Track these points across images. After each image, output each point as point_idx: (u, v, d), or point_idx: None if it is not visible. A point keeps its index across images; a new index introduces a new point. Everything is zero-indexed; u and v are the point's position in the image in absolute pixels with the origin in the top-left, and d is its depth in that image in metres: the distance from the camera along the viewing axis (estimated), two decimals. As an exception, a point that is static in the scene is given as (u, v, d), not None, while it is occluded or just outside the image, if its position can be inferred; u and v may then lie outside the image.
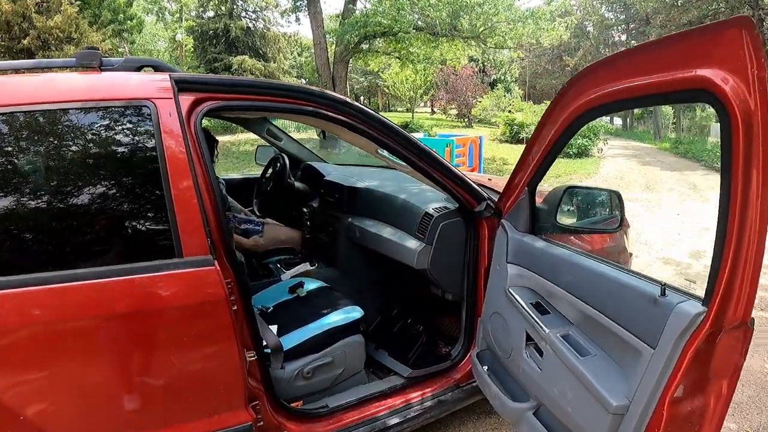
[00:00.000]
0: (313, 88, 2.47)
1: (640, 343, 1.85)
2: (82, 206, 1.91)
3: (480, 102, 34.79)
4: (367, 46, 21.30)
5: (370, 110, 2.57)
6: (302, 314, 2.92)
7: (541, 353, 2.37)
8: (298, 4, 21.70)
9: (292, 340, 2.71)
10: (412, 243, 3.14)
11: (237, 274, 2.14)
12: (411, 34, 18.14)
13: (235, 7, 34.38)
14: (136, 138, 2.00)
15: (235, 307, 2.09)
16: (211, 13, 34.38)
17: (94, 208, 1.93)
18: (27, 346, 1.78)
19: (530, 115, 26.29)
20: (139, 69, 2.19)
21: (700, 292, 1.76)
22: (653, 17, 30.33)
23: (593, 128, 22.75)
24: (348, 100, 2.50)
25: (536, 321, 2.37)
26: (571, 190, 2.77)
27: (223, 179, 4.41)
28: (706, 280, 1.68)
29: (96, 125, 1.97)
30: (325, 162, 4.91)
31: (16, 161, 1.85)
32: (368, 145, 2.76)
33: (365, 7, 21.23)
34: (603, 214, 2.97)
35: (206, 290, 1.98)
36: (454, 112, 38.46)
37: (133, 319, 1.90)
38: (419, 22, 18.45)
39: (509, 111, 31.14)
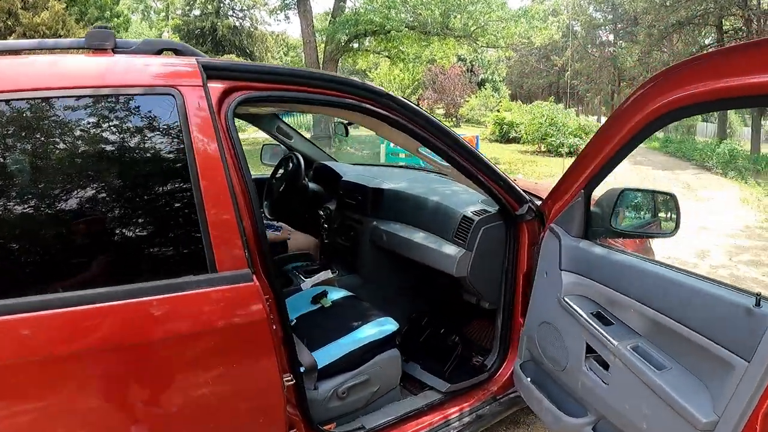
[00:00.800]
0: (355, 79, 2.23)
1: (731, 356, 1.68)
2: (95, 214, 1.63)
3: (468, 101, 34.78)
4: (357, 45, 21.11)
5: (413, 105, 2.35)
6: (330, 327, 2.68)
7: (606, 366, 2.18)
8: (287, 2, 21.42)
9: (325, 357, 2.46)
10: (451, 249, 2.92)
11: (275, 289, 1.89)
12: (403, 32, 17.99)
13: (222, 5, 34.22)
14: (159, 132, 1.73)
15: (275, 327, 1.84)
16: (197, 12, 34.16)
17: (111, 216, 1.65)
18: (30, 381, 1.48)
19: (520, 114, 26.31)
20: (159, 53, 1.90)
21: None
22: (642, 17, 30.40)
23: (584, 128, 22.80)
24: (391, 93, 2.26)
25: (601, 332, 2.17)
26: (625, 193, 2.56)
27: None
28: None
29: (110, 116, 1.68)
30: (336, 161, 4.64)
31: (13, 159, 1.56)
32: (409, 143, 2.52)
33: (355, 6, 21.10)
34: (658, 216, 2.77)
35: (245, 310, 1.72)
36: (442, 111, 38.40)
37: (159, 347, 1.64)
38: (411, 21, 18.28)
39: (498, 110, 31.20)
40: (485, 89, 37.82)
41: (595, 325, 2.21)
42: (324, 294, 2.98)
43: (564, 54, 42.86)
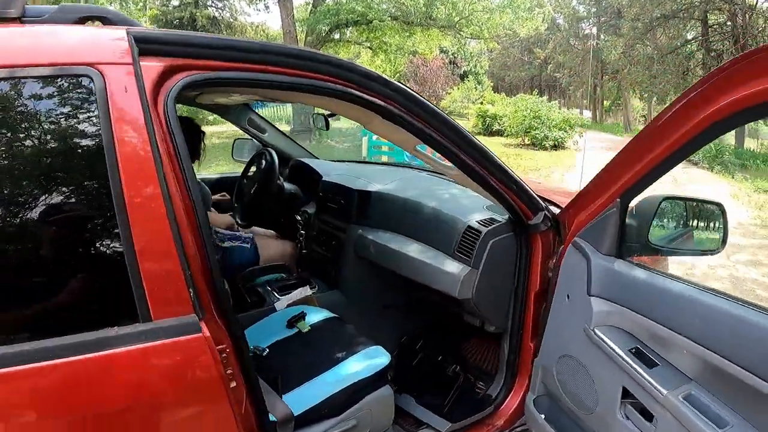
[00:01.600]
0: (343, 59, 1.74)
1: None
2: None
3: (450, 94, 34.48)
4: (339, 35, 20.74)
5: (415, 93, 1.87)
6: (310, 359, 2.23)
7: (649, 417, 1.77)
8: (267, -9, 20.95)
9: (303, 400, 2.00)
10: (453, 266, 2.47)
11: (233, 334, 1.42)
12: (385, 22, 17.64)
13: (201, -5, 33.57)
14: (68, 128, 1.27)
15: (234, 384, 1.38)
16: (176, 2, 33.44)
17: None
18: None
19: (504, 107, 26.12)
20: (81, 21, 1.43)
21: None
22: (626, 10, 30.39)
23: (569, 120, 22.68)
24: (387, 78, 1.78)
25: (643, 375, 1.75)
26: (667, 202, 2.11)
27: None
28: None
29: (5, 105, 1.22)
30: (316, 158, 4.17)
31: None
32: (406, 140, 2.04)
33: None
34: (701, 230, 2.32)
35: (192, 371, 1.28)
36: (423, 104, 38.20)
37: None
38: (394, 11, 17.94)
39: (481, 103, 31.01)
40: (468, 81, 37.50)
41: (635, 366, 1.78)
42: (302, 316, 2.51)
43: (547, 46, 42.89)
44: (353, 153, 15.56)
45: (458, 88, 35.59)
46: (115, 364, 1.19)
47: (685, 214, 2.32)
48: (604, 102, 46.14)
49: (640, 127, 36.68)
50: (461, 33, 19.73)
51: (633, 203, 2.03)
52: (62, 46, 1.30)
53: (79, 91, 1.25)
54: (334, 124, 19.59)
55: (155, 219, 1.23)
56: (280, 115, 22.96)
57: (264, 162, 3.48)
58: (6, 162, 1.20)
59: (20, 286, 1.21)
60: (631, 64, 31.15)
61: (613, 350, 1.87)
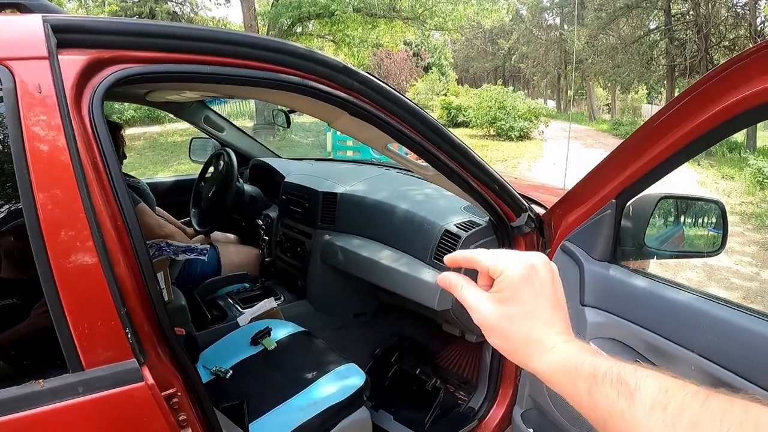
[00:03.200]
0: (299, 46, 1.49)
1: None
2: None
3: (414, 86, 34.40)
4: (301, 29, 20.45)
5: (386, 85, 1.64)
6: (278, 381, 2.03)
7: None
8: (227, -16, 20.61)
9: (273, 429, 1.81)
10: (430, 274, 2.27)
11: (184, 373, 1.20)
12: (348, 15, 17.43)
13: (160, -11, 33.07)
14: None
15: (190, 431, 1.16)
16: (135, -3, 32.96)
17: None
18: None
19: (468, 98, 26.12)
20: None
21: None
22: (590, 0, 30.56)
23: (534, 111, 22.75)
24: (351, 66, 1.56)
25: None
26: (664, 200, 1.94)
27: (146, 182, 3.40)
28: None
29: None
30: (278, 157, 3.93)
31: None
32: (376, 138, 1.82)
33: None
34: (700, 230, 2.14)
35: (135, 428, 1.06)
36: (386, 96, 38.26)
37: None
38: (357, 3, 17.73)
39: (445, 94, 31.01)
40: (432, 73, 37.50)
41: None
42: (267, 332, 2.30)
43: (510, 37, 43.05)
44: (318, 149, 15.33)
45: (422, 80, 35.66)
46: (42, 425, 0.98)
47: (682, 214, 2.14)
48: (569, 91, 46.46)
49: (605, 116, 37.18)
50: (425, 25, 19.59)
51: (628, 203, 1.86)
52: None
53: None
54: (297, 119, 19.35)
55: (78, 246, 1.01)
56: (242, 110, 22.62)
57: (222, 163, 3.26)
58: None
59: None
60: (595, 53, 31.40)
61: (611, 366, 1.68)
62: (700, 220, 2.17)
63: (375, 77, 1.61)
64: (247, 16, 19.04)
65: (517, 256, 0.71)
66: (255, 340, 2.27)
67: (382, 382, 2.71)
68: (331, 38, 21.89)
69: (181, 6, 34.18)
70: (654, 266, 2.81)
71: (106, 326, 1.03)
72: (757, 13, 21.98)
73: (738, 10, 24.58)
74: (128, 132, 19.97)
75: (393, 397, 2.60)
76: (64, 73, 1.08)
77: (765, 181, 12.63)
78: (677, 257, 2.33)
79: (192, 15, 34.11)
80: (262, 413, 1.85)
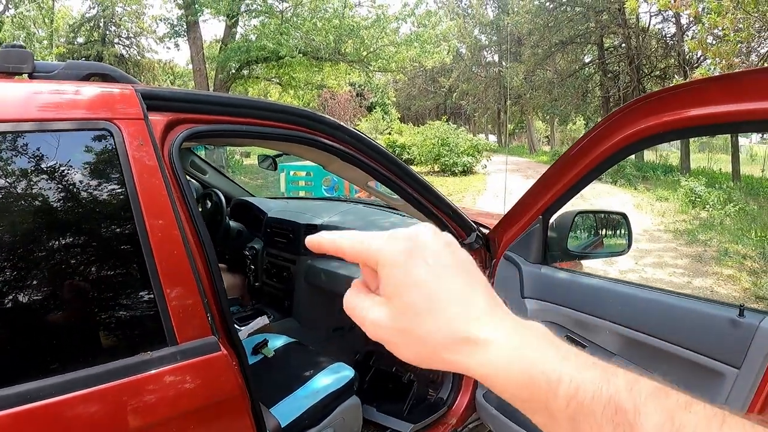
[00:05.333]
0: (308, 110, 2.01)
1: (720, 366, 1.74)
2: (18, 286, 1.28)
3: (358, 125, 34.90)
4: (248, 72, 20.76)
5: (364, 136, 2.17)
6: (281, 379, 2.45)
7: None
8: (177, 29, 20.76)
9: (286, 414, 2.23)
10: None
11: (240, 354, 1.64)
12: (296, 58, 17.82)
13: (108, 33, 32.98)
14: (93, 177, 1.43)
15: (246, 396, 1.60)
16: (81, 39, 32.73)
17: (40, 288, 1.33)
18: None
19: (412, 136, 26.62)
20: (86, 78, 1.62)
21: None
22: (526, 38, 31.65)
23: (477, 146, 23.36)
24: (342, 124, 2.08)
25: None
26: (580, 216, 2.58)
27: None
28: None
29: (31, 159, 1.35)
30: (253, 196, 4.37)
31: None
32: (359, 177, 2.34)
33: (246, 32, 20.79)
34: (611, 236, 2.77)
35: (217, 385, 1.48)
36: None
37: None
38: (304, 47, 18.17)
39: (389, 133, 31.52)
40: (375, 112, 38.10)
41: None
42: (265, 343, 2.72)
43: (451, 75, 43.95)
44: (267, 188, 15.65)
45: (366, 120, 36.09)
46: (152, 383, 1.37)
47: (595, 224, 2.76)
48: (509, 126, 47.66)
49: (545, 148, 37.99)
50: (369, 67, 20.07)
51: (552, 219, 2.47)
52: (84, 103, 1.48)
53: (100, 143, 1.44)
54: (246, 160, 19.43)
55: (175, 254, 1.45)
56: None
57: (210, 203, 3.68)
58: (39, 207, 1.37)
59: (76, 326, 1.40)
60: (533, 88, 32.45)
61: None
62: (611, 229, 2.80)
63: (362, 133, 2.14)
64: (196, 60, 19.26)
65: (392, 232, 0.53)
66: (256, 350, 2.67)
67: (364, 382, 3.13)
68: (278, 81, 22.20)
69: (128, 48, 34.14)
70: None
71: (195, 313, 1.46)
72: (684, 44, 23.15)
73: (668, 41, 25.80)
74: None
75: (375, 393, 3.01)
76: (154, 130, 1.53)
77: (697, 199, 13.51)
78: (593, 258, 2.93)
79: (139, 57, 34.07)
80: (272, 404, 2.26)
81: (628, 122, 1.88)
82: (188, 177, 4.06)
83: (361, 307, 0.54)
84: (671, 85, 1.87)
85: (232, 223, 3.78)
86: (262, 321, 3.12)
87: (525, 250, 2.45)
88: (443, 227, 2.52)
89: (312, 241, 0.57)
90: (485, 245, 2.66)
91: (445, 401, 2.76)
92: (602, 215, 2.90)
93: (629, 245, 2.61)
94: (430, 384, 3.06)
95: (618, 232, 2.76)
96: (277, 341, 2.79)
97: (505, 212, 2.59)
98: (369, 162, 2.14)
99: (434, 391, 2.93)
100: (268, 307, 3.52)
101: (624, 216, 2.66)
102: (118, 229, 1.46)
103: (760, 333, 1.65)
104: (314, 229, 3.34)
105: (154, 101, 1.58)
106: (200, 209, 3.76)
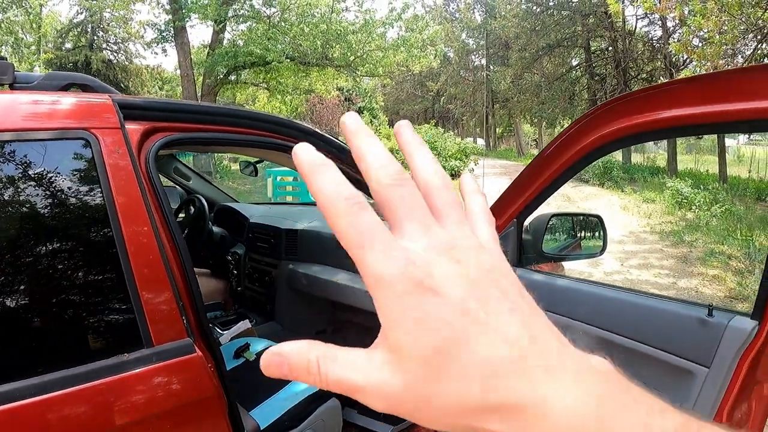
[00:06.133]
0: (283, 117, 2.06)
1: (690, 365, 1.77)
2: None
3: (346, 129, 34.84)
4: (236, 77, 20.73)
5: (340, 141, 2.20)
6: (261, 382, 2.46)
7: None
8: (164, 34, 20.69)
9: (267, 415, 2.26)
10: None
11: (216, 355, 1.67)
12: (283, 63, 17.82)
13: (95, 38, 32.89)
14: (71, 184, 1.47)
15: (221, 398, 1.63)
16: (69, 45, 32.63)
17: (18, 291, 1.37)
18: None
19: (400, 140, 26.60)
20: (65, 88, 1.67)
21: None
22: (513, 42, 31.74)
23: (465, 150, 23.42)
24: (317, 130, 2.12)
25: None
26: (554, 218, 2.57)
27: None
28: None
29: (11, 166, 1.39)
30: (237, 201, 4.40)
31: None
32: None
33: (234, 37, 20.75)
34: (586, 238, 2.80)
35: (192, 387, 1.51)
36: (320, 141, 38.33)
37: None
38: (291, 52, 18.17)
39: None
40: (363, 117, 38.07)
41: None
42: (246, 346, 2.76)
43: (439, 79, 44.01)
44: (255, 194, 15.66)
45: (354, 124, 36.04)
46: (127, 385, 1.40)
47: (572, 227, 2.77)
48: (497, 129, 47.84)
49: (534, 151, 38.13)
50: (356, 71, 20.06)
51: (527, 222, 2.49)
52: (63, 112, 1.52)
53: (78, 152, 1.48)
54: (234, 166, 19.42)
55: (152, 261, 1.48)
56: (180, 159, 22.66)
57: (193, 208, 3.70)
58: (19, 214, 1.42)
59: (54, 328, 1.42)
60: (520, 91, 32.54)
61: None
62: (586, 231, 2.81)
63: (333, 136, 2.18)
64: (183, 65, 19.20)
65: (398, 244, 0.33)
66: (238, 354, 2.71)
67: None
68: (265, 86, 22.17)
69: (116, 54, 34.05)
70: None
71: (170, 316, 1.50)
72: (670, 46, 23.25)
73: (654, 44, 25.92)
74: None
75: None
76: (130, 138, 1.57)
77: (683, 201, 13.58)
78: (569, 260, 2.94)
79: (127, 63, 33.97)
80: (253, 407, 2.29)
81: (601, 124, 1.92)
82: (172, 183, 4.10)
83: (352, 367, 0.35)
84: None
85: (215, 229, 3.80)
86: (244, 325, 3.15)
87: None
88: None
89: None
90: None
91: None
92: (578, 217, 2.92)
93: (604, 247, 2.63)
94: None
95: (594, 234, 2.79)
96: (259, 345, 2.81)
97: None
98: (343, 167, 2.17)
99: None
100: (250, 311, 3.55)
101: (599, 218, 2.68)
102: (95, 235, 1.49)
103: (728, 332, 1.68)
104: (294, 233, 3.38)
105: (130, 110, 1.62)
106: (183, 215, 3.79)
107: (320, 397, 2.43)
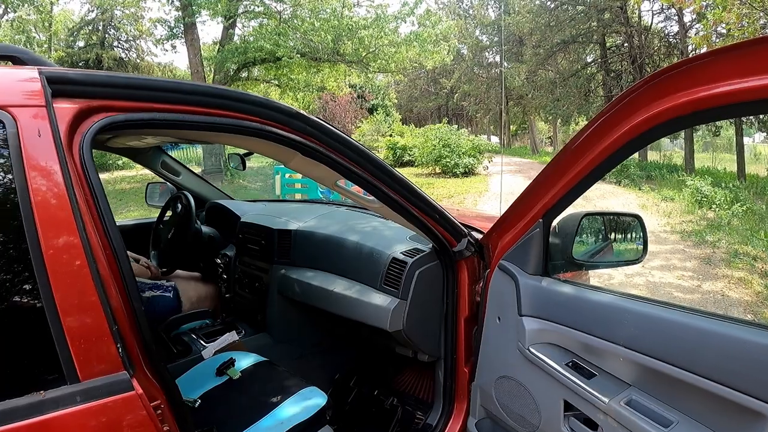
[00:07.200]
0: (256, 95, 1.70)
1: (762, 405, 1.36)
2: None
3: (359, 127, 34.70)
4: (247, 74, 20.54)
5: (334, 128, 1.85)
6: (244, 406, 2.15)
7: (593, 426, 1.78)
8: (174, 31, 20.47)
9: None
10: (380, 299, 2.43)
11: (167, 387, 1.35)
12: (294, 59, 17.59)
13: (107, 36, 32.97)
14: None
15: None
16: (81, 43, 32.77)
17: None
18: None
19: (413, 137, 26.50)
20: None
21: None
22: (528, 38, 31.47)
23: (479, 147, 23.18)
24: (303, 112, 1.76)
25: (582, 387, 1.77)
26: (587, 218, 2.19)
27: None
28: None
29: None
30: (232, 199, 4.08)
31: None
32: (326, 176, 2.01)
33: (244, 33, 20.58)
34: (621, 241, 2.40)
35: (126, 430, 1.19)
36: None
37: None
38: (302, 47, 17.94)
39: (390, 135, 31.39)
40: (377, 114, 37.92)
41: (574, 378, 1.81)
42: (231, 362, 2.42)
43: (452, 76, 43.76)
44: (267, 192, 15.42)
45: (367, 122, 35.94)
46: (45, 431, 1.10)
47: (604, 228, 2.39)
48: (511, 127, 47.48)
49: (548, 149, 38.01)
50: (368, 67, 19.84)
51: (555, 222, 2.09)
52: None
53: None
54: (247, 163, 19.36)
55: (76, 272, 1.16)
56: (190, 156, 22.57)
57: (180, 206, 3.39)
58: None
59: None
60: (534, 88, 32.24)
61: (550, 366, 1.89)
62: (623, 234, 2.42)
63: (324, 121, 1.82)
64: (193, 62, 19.04)
65: None
66: (220, 371, 2.37)
67: (343, 406, 2.84)
68: (277, 83, 21.98)
69: (127, 52, 34.11)
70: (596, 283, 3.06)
71: (101, 342, 1.18)
72: (688, 42, 22.96)
73: (670, 40, 25.62)
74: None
75: (355, 418, 2.72)
76: (58, 120, 1.24)
77: (703, 199, 13.24)
78: (604, 267, 2.55)
79: (138, 61, 34.02)
80: None
81: (638, 107, 1.54)
82: (163, 178, 3.79)
83: None
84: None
85: (204, 228, 3.49)
86: (230, 337, 2.83)
87: (523, 259, 2.11)
88: (429, 233, 2.23)
89: None
90: (478, 252, 2.35)
91: (434, 428, 2.45)
92: (612, 217, 2.53)
93: (644, 252, 2.26)
94: (418, 406, 2.77)
95: (630, 236, 2.39)
96: (245, 361, 2.49)
97: (501, 213, 2.27)
98: (336, 157, 1.83)
99: (423, 415, 2.63)
100: (240, 320, 3.22)
101: (638, 218, 2.31)
102: (2, 240, 1.17)
103: None
104: (287, 234, 3.04)
105: (62, 86, 1.30)
106: (170, 213, 3.48)
107: (310, 425, 2.09)
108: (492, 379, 2.21)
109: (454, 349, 2.41)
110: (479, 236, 2.42)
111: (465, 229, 2.31)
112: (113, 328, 1.19)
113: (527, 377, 2.03)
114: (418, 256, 2.40)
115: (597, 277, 6.61)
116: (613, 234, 2.41)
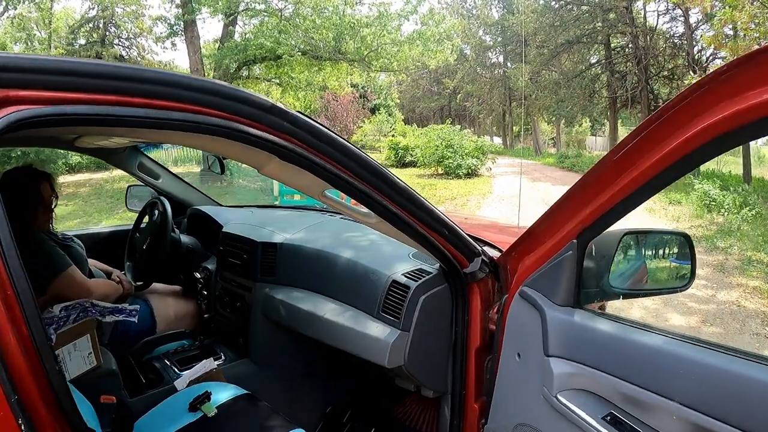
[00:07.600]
0: (223, 84, 1.30)
1: None
2: None
3: (361, 128, 34.50)
4: (247, 72, 20.34)
5: (320, 126, 1.47)
6: None
7: None
8: (174, 29, 20.24)
9: None
10: (378, 329, 2.09)
11: None
12: (295, 57, 17.40)
13: (107, 34, 32.88)
14: None
15: None
16: (82, 41, 32.69)
17: None
18: None
19: (415, 138, 26.37)
20: None
21: None
22: (532, 38, 31.35)
23: (482, 148, 23.02)
24: (279, 105, 1.39)
25: None
26: (627, 237, 1.80)
27: (82, 233, 3.22)
28: None
29: None
30: (218, 204, 3.74)
31: None
32: (311, 185, 1.64)
33: (244, 31, 20.41)
34: (668, 265, 2.01)
35: None
36: (335, 138, 38.40)
37: None
38: (303, 46, 17.76)
39: (392, 135, 31.25)
40: (379, 114, 37.71)
41: None
42: (207, 396, 2.08)
43: (455, 77, 43.64)
44: (267, 193, 15.12)
45: (369, 122, 35.77)
46: None
47: (644, 249, 2.00)
48: (514, 128, 47.32)
49: (551, 150, 37.94)
50: (371, 66, 19.68)
51: (593, 242, 1.72)
52: None
53: None
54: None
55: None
56: (189, 155, 22.30)
57: (156, 213, 3.06)
58: None
59: None
60: (538, 89, 32.09)
61: (583, 419, 1.54)
62: (666, 255, 2.04)
63: (307, 116, 1.45)
64: (193, 60, 18.92)
65: None
66: (193, 406, 2.04)
67: None
68: (278, 81, 21.79)
69: (127, 50, 34.04)
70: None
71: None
72: (694, 42, 22.77)
73: (675, 41, 25.49)
74: (74, 178, 19.51)
75: None
76: None
77: (712, 203, 13.00)
78: (646, 295, 2.18)
79: (139, 59, 33.97)
80: None
81: (706, 107, 1.17)
82: (141, 181, 3.48)
83: None
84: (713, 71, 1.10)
85: (183, 238, 3.15)
86: (207, 365, 2.48)
87: (550, 286, 1.74)
88: (437, 252, 1.89)
89: None
90: (494, 273, 2.01)
91: None
92: (656, 235, 2.11)
93: (692, 277, 1.90)
94: None
95: (679, 258, 1.99)
96: (223, 394, 2.15)
97: (521, 228, 1.91)
98: (324, 162, 1.46)
99: None
100: (220, 343, 2.87)
101: (686, 237, 1.94)
102: None
103: None
104: (272, 247, 2.69)
105: None
106: (147, 220, 3.16)
107: None
108: (509, 426, 1.88)
109: (463, 383, 2.09)
110: (492, 252, 2.08)
111: (478, 247, 1.96)
112: (12, 399, 0.86)
113: (553, 429, 1.69)
114: (423, 279, 2.07)
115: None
116: (655, 256, 2.03)
